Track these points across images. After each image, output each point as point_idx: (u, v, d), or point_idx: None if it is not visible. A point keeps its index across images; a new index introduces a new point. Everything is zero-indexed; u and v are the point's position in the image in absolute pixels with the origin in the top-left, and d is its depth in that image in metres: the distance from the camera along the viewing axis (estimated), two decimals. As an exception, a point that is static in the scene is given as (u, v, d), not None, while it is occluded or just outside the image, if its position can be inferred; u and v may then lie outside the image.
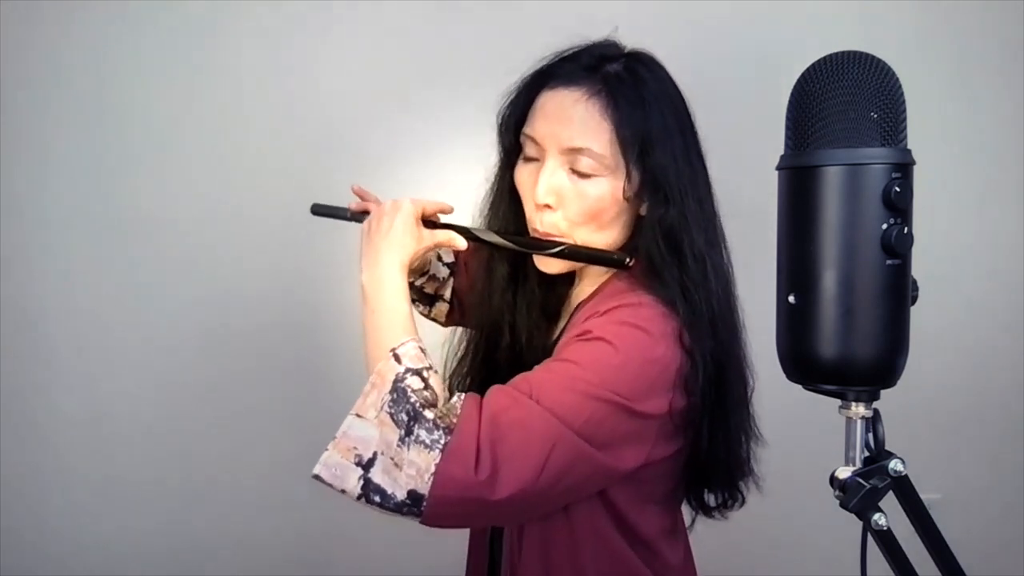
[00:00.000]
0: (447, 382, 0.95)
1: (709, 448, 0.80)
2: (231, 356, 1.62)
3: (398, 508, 0.68)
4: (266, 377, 1.63)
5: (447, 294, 1.09)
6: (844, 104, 0.67)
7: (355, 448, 0.69)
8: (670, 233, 0.79)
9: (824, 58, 0.70)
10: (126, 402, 1.61)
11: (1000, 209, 1.64)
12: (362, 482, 0.68)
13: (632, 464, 0.76)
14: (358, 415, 0.71)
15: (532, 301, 0.93)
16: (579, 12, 1.53)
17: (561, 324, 0.92)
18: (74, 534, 1.64)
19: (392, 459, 0.68)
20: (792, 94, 0.72)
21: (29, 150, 1.56)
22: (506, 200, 0.89)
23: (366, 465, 0.69)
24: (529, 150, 0.84)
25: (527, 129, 0.83)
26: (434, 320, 1.11)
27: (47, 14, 1.53)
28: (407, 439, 0.68)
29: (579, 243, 0.83)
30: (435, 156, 1.59)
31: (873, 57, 0.68)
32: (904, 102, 0.68)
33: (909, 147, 0.69)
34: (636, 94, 0.79)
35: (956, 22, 1.59)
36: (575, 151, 0.79)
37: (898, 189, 0.65)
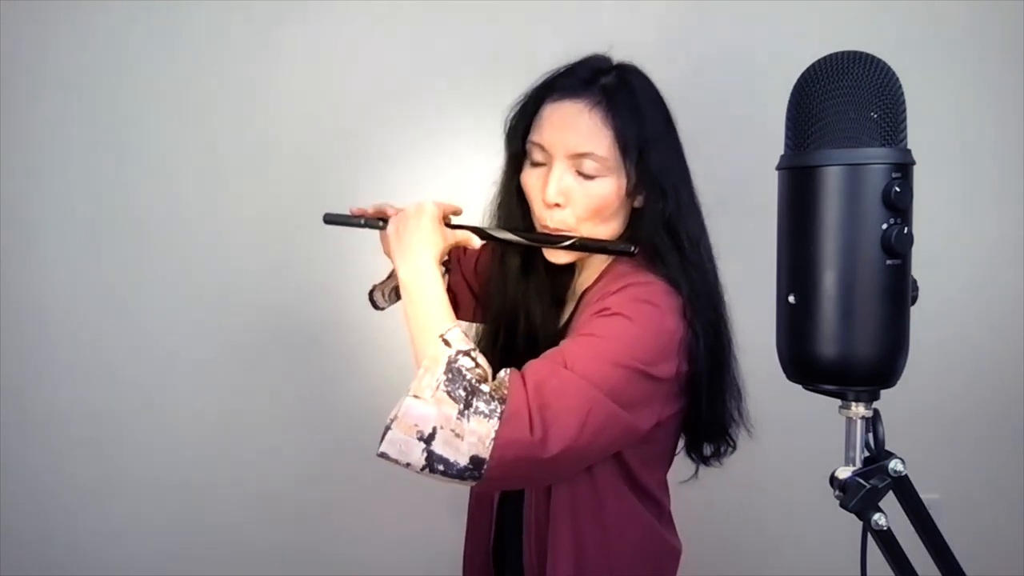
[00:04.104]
0: None
1: (709, 403, 0.91)
2: (231, 356, 1.62)
3: (460, 474, 0.75)
4: (266, 377, 1.63)
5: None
6: (844, 104, 0.67)
7: (416, 425, 0.76)
8: (669, 222, 0.90)
9: (824, 58, 0.70)
10: (126, 401, 1.61)
11: (1000, 209, 1.64)
12: (426, 454, 0.75)
13: (648, 424, 0.86)
14: (415, 396, 0.77)
15: (543, 289, 1.03)
16: (583, 14, 1.54)
17: (568, 309, 1.02)
18: (74, 534, 1.64)
19: (453, 431, 0.75)
20: (792, 94, 0.72)
21: (29, 150, 1.56)
22: (514, 200, 0.98)
23: (428, 439, 0.75)
24: (536, 156, 0.92)
25: (534, 137, 0.92)
26: None
27: (50, 15, 1.53)
28: (467, 411, 0.75)
29: (586, 235, 0.92)
30: (439, 154, 1.60)
31: (873, 57, 0.68)
32: (904, 102, 0.68)
33: (909, 147, 0.69)
34: (631, 102, 0.89)
35: (955, 22, 1.59)
36: (581, 155, 0.88)
37: (898, 189, 0.65)
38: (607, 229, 0.92)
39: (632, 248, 0.90)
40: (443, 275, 1.11)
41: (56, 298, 1.59)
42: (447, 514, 1.55)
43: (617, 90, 0.89)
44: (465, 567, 1.12)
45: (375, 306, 1.17)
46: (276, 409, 1.64)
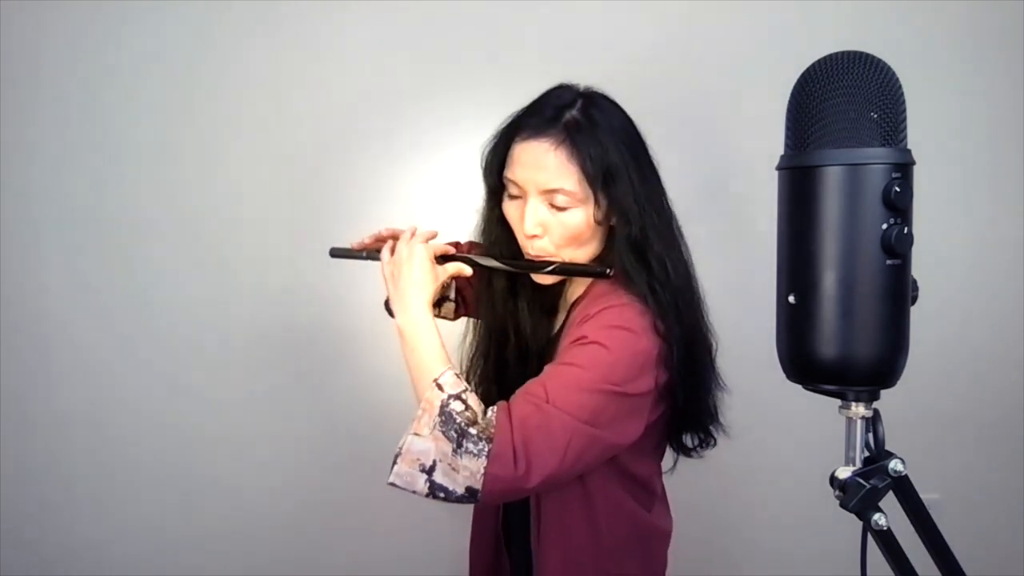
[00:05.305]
0: (464, 375, 1.11)
1: (686, 405, 0.99)
2: (230, 356, 1.62)
3: (459, 500, 0.86)
4: (265, 376, 1.63)
5: (452, 294, 1.20)
6: (844, 104, 0.67)
7: (418, 459, 0.87)
8: (635, 246, 0.96)
9: (824, 58, 0.70)
10: (126, 402, 1.61)
11: (1000, 209, 1.64)
12: (428, 484, 0.86)
13: (636, 433, 0.94)
14: (416, 434, 0.88)
15: (532, 301, 1.10)
16: (584, 16, 1.54)
17: (560, 317, 1.08)
18: (74, 534, 1.64)
19: (449, 464, 0.86)
20: (792, 94, 0.72)
21: (30, 150, 1.56)
22: (497, 228, 1.05)
23: (429, 470, 0.86)
24: (512, 190, 0.99)
25: (508, 174, 0.98)
26: (443, 318, 1.20)
27: (49, 14, 1.53)
28: (459, 450, 0.86)
29: (566, 260, 0.99)
30: (436, 156, 1.60)
31: (873, 57, 0.68)
32: (904, 102, 0.68)
33: (909, 147, 0.69)
34: (593, 137, 0.94)
35: (955, 21, 1.59)
36: (552, 191, 0.94)
37: (898, 189, 0.65)
38: (585, 252, 0.99)
39: (608, 271, 0.97)
40: (449, 284, 1.20)
41: (55, 300, 1.59)
42: (447, 512, 1.55)
43: (580, 125, 0.94)
44: (473, 547, 1.18)
45: (391, 314, 1.19)
46: (277, 409, 1.64)
